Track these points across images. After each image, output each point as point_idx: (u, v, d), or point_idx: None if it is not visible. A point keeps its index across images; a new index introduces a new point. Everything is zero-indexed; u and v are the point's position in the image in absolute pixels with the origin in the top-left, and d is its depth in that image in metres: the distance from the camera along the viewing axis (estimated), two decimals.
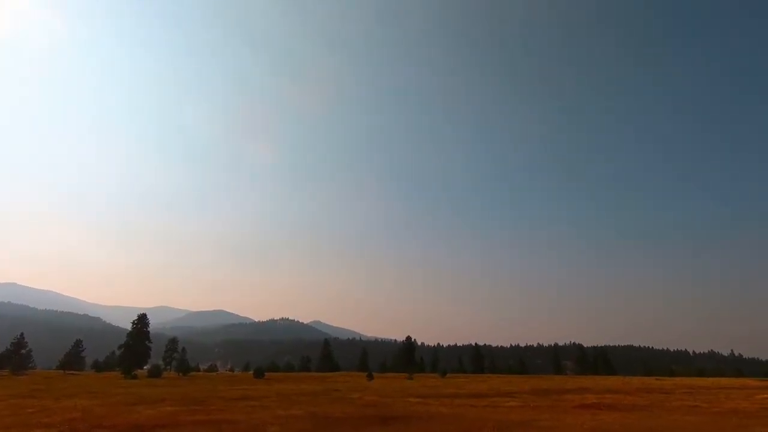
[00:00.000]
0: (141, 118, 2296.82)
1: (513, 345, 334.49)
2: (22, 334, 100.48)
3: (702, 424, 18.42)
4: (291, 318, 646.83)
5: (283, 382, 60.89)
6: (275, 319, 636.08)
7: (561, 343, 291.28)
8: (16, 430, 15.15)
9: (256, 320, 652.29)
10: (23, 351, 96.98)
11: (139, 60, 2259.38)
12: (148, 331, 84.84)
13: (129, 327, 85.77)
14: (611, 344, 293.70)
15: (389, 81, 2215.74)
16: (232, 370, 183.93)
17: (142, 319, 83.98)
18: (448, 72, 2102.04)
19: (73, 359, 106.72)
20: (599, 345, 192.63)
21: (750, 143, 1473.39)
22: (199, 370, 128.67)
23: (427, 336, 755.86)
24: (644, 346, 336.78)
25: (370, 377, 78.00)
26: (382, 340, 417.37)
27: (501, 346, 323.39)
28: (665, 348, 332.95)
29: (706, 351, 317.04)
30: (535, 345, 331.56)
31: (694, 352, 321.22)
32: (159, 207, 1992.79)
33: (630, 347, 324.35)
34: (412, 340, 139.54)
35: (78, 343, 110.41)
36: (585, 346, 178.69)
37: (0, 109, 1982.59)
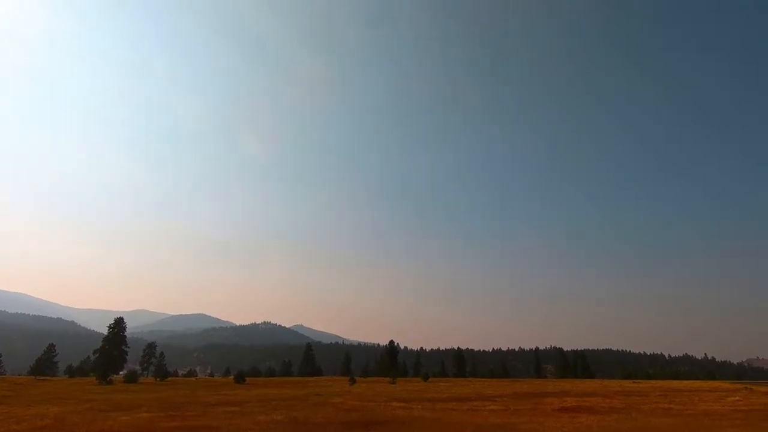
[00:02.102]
0: (121, 117, 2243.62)
1: (495, 349, 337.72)
2: None
3: (676, 426, 18.94)
4: (273, 322, 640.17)
5: (264, 387, 60.09)
6: (257, 323, 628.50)
7: (542, 347, 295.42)
8: None
9: (238, 324, 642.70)
10: None
11: (128, 57, 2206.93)
12: (125, 336, 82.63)
13: (105, 331, 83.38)
14: (590, 348, 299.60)
15: (381, 81, 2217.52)
16: (212, 375, 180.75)
17: (118, 323, 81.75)
18: (441, 72, 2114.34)
19: (45, 364, 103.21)
20: (579, 349, 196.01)
21: (743, 144, 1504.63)
22: (177, 375, 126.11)
23: (410, 340, 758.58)
24: (622, 350, 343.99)
25: (353, 381, 77.58)
26: (365, 344, 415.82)
27: (483, 350, 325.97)
28: (642, 351, 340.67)
29: (681, 354, 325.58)
30: (517, 349, 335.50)
31: (669, 355, 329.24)
32: (137, 207, 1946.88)
33: (608, 351, 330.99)
34: (395, 344, 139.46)
35: (51, 348, 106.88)
36: (565, 350, 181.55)
37: None
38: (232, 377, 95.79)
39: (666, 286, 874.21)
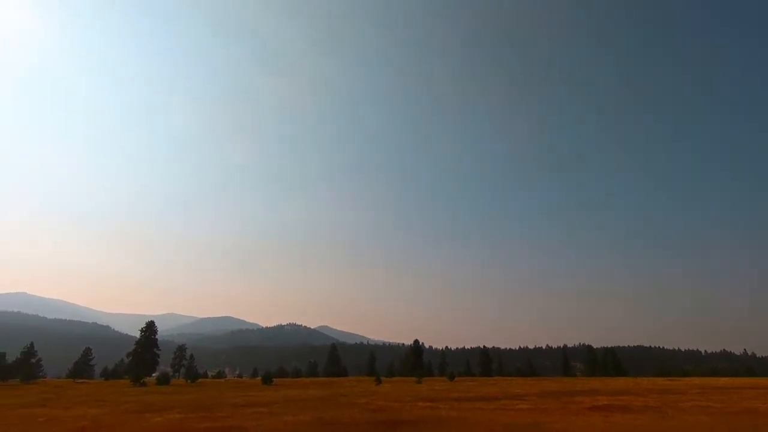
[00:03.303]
0: (135, 122, 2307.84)
1: (521, 347, 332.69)
2: (32, 343, 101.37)
3: (715, 425, 18.13)
4: (298, 323, 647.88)
5: (290, 387, 60.80)
6: (282, 324, 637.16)
7: (570, 345, 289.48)
8: None
9: (264, 326, 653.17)
10: (33, 360, 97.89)
11: (130, 59, 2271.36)
12: (156, 339, 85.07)
13: (137, 334, 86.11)
14: (621, 345, 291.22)
15: (378, 82, 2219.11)
16: (240, 376, 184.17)
17: (150, 327, 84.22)
18: (440, 72, 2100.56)
19: (82, 367, 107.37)
20: (609, 346, 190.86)
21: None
22: (207, 377, 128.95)
23: (434, 339, 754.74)
24: (655, 347, 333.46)
25: (378, 381, 77.66)
26: (389, 344, 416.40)
27: (509, 349, 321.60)
28: (676, 348, 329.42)
29: (719, 350, 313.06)
30: (544, 347, 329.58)
31: (706, 351, 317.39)
32: (164, 216, 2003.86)
33: (640, 348, 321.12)
34: (420, 343, 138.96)
35: (87, 352, 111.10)
36: (594, 347, 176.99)
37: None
38: (259, 378, 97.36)
39: (702, 280, 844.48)
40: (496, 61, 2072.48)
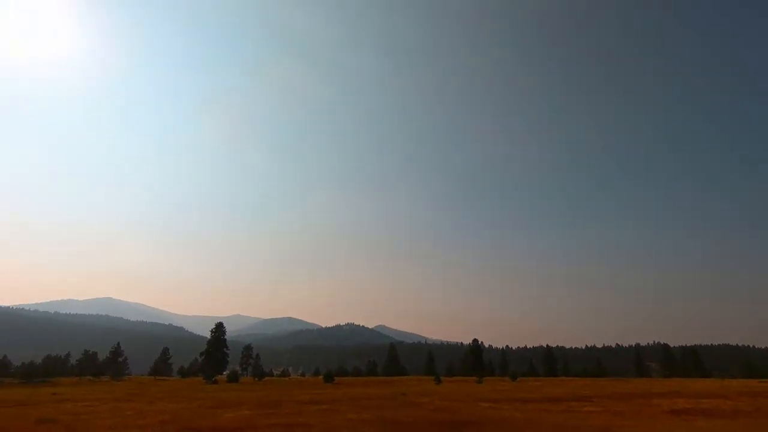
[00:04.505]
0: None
1: (588, 346, 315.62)
2: (118, 343, 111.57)
3: None
4: (356, 323, 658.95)
5: (351, 386, 62.01)
6: (341, 324, 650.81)
7: (643, 344, 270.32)
8: (117, 431, 16.86)
9: (323, 326, 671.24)
10: (120, 359, 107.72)
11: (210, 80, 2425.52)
12: (225, 339, 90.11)
13: (208, 335, 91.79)
14: (702, 343, 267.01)
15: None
16: (303, 374, 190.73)
17: (219, 328, 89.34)
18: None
19: (161, 366, 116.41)
20: (688, 344, 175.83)
21: None
22: (272, 375, 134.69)
23: (494, 338, 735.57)
24: (743, 345, 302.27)
25: (438, 381, 77.10)
26: (446, 343, 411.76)
27: (575, 348, 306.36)
28: None
29: None
30: (614, 345, 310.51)
31: None
32: (232, 222, 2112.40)
33: (725, 346, 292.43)
34: (479, 342, 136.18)
35: (165, 351, 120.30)
36: (671, 345, 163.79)
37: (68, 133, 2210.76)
38: (321, 377, 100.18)
39: None
40: (535, 61, 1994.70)
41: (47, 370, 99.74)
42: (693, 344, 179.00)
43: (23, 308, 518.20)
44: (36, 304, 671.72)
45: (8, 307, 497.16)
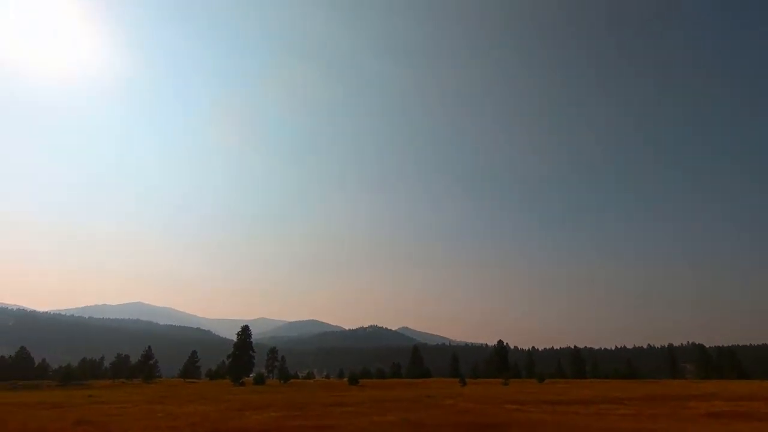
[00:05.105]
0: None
1: (618, 347, 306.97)
2: (149, 347, 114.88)
3: None
4: (379, 325, 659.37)
5: (375, 388, 62.08)
6: (364, 326, 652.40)
7: (676, 344, 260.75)
8: None
9: (346, 328, 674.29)
10: (151, 362, 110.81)
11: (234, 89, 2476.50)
12: (251, 342, 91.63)
13: (234, 338, 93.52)
14: (741, 344, 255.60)
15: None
16: (327, 376, 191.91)
17: (245, 331, 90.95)
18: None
19: (190, 368, 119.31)
20: (725, 345, 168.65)
21: None
22: (297, 377, 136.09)
23: (519, 340, 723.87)
24: None
25: (463, 383, 76.38)
26: (471, 344, 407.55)
27: (604, 349, 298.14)
28: None
29: None
30: (645, 346, 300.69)
31: None
32: (254, 227, 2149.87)
33: (766, 347, 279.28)
34: (504, 343, 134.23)
35: (194, 354, 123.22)
36: (707, 346, 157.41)
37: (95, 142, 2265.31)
38: (345, 379, 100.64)
39: None
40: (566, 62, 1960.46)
41: (83, 373, 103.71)
42: (730, 345, 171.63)
43: (60, 314, 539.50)
44: (72, 309, 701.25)
45: (46, 312, 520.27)
